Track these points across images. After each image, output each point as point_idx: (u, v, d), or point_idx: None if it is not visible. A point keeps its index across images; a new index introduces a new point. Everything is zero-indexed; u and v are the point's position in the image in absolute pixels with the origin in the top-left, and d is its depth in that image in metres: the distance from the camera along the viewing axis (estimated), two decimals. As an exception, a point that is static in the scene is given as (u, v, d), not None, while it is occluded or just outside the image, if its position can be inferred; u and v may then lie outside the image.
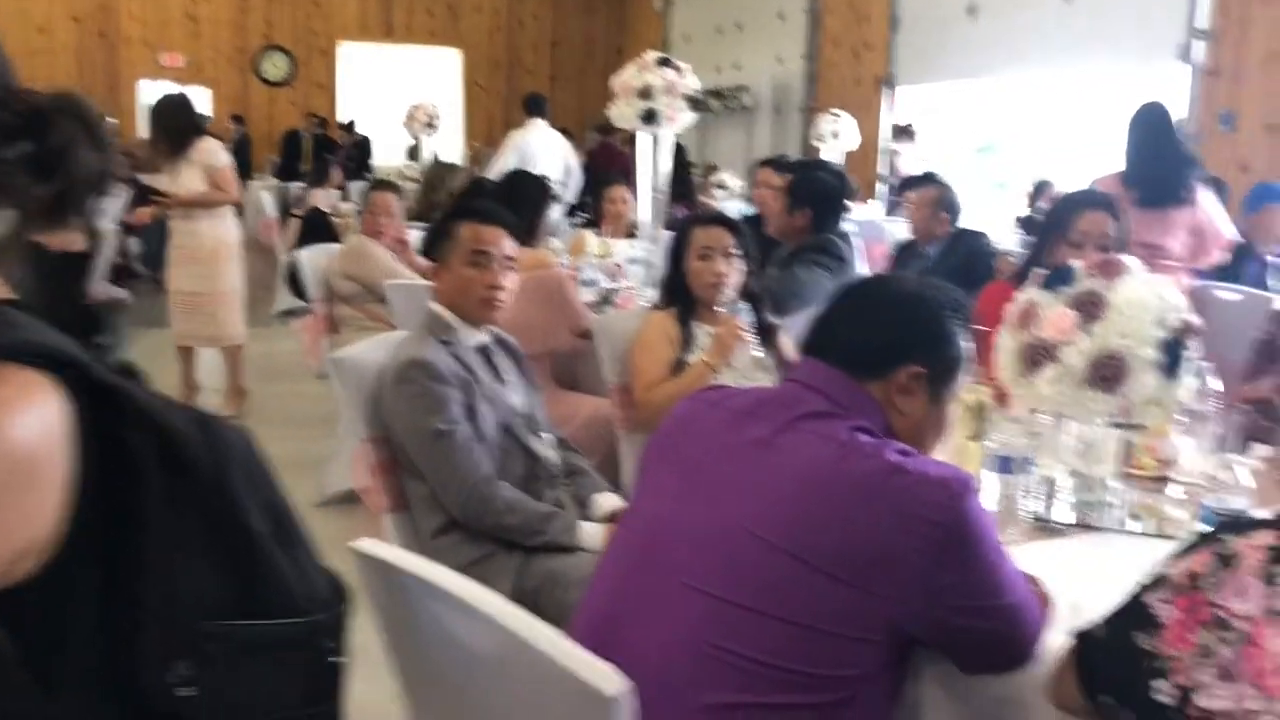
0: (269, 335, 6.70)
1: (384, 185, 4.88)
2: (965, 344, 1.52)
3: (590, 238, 5.15)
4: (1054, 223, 2.84)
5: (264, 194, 8.94)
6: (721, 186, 9.86)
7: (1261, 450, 2.29)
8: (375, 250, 4.35)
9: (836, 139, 8.76)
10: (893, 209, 8.87)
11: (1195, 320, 2.01)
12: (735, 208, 9.09)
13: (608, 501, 2.48)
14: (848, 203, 9.37)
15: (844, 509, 1.31)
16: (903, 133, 9.84)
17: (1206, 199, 4.32)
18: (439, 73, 15.58)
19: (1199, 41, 7.17)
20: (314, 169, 8.76)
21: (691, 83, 4.25)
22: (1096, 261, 2.02)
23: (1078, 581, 1.75)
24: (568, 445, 2.63)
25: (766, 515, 1.35)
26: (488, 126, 14.70)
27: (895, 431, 1.47)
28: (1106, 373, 1.93)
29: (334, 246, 4.65)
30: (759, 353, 2.91)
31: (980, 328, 2.14)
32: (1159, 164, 4.24)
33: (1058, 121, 10.45)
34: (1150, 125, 4.38)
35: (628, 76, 4.24)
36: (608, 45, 15.80)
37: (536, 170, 6.44)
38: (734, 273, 2.97)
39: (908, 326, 1.49)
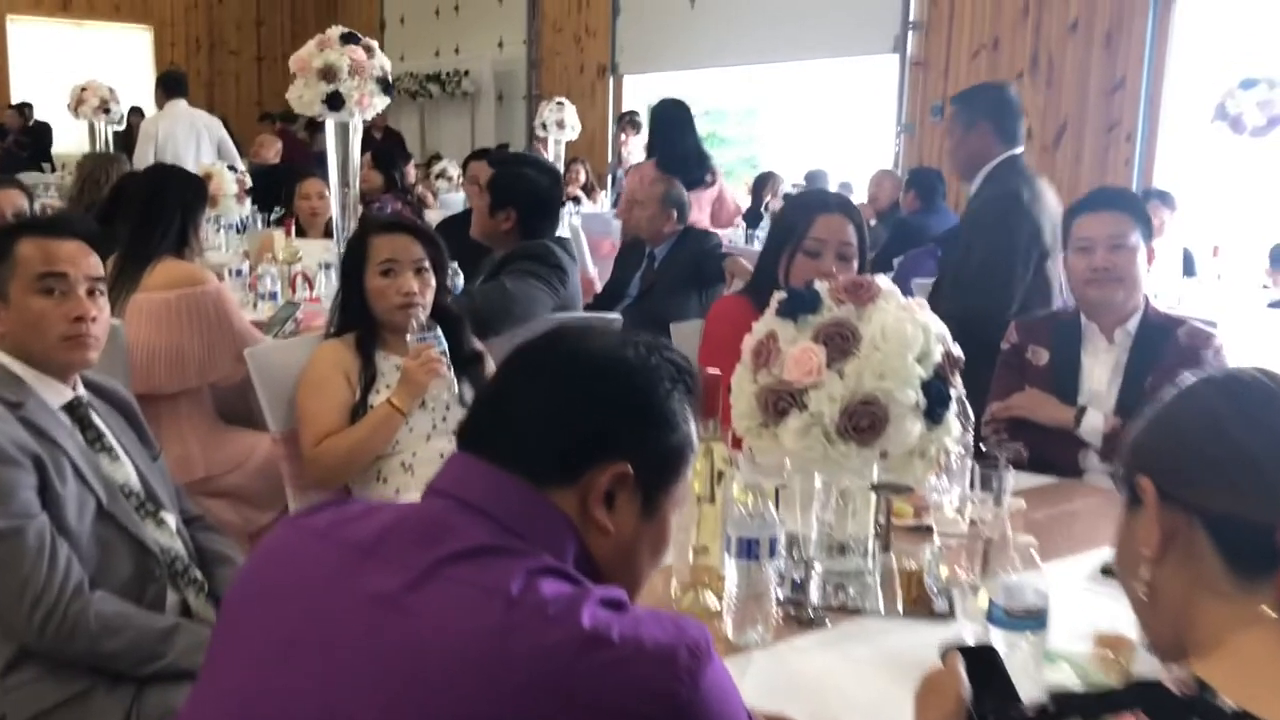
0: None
1: (4, 181, 4.00)
2: (688, 425, 1.08)
3: (278, 239, 4.52)
4: (785, 229, 2.49)
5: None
6: (444, 177, 9.31)
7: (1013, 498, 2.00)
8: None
9: (561, 128, 8.36)
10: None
11: (958, 352, 1.69)
12: (460, 199, 8.60)
13: (258, 596, 1.92)
14: (584, 197, 9.08)
15: (514, 710, 0.85)
16: (627, 122, 9.56)
17: (719, 179, 5.70)
18: (130, 53, 14.11)
19: (912, 33, 7.24)
20: (-43, 158, 7.52)
21: (382, 63, 3.69)
22: (845, 284, 1.66)
23: (832, 701, 1.38)
24: (204, 524, 2.06)
25: None
26: (188, 111, 13.46)
27: (596, 559, 1.01)
28: (862, 422, 1.57)
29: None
30: (458, 389, 2.41)
31: (711, 369, 1.75)
32: (688, 154, 5.26)
33: (780, 113, 10.52)
34: (675, 119, 5.40)
35: (306, 54, 3.63)
36: (320, 25, 14.72)
37: (186, 162, 5.68)
38: (426, 290, 2.46)
39: (605, 406, 1.03)
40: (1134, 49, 6.10)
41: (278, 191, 6.16)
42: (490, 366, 2.58)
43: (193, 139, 6.55)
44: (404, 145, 9.86)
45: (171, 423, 2.92)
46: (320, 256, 4.31)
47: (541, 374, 1.05)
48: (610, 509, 1.02)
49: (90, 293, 1.83)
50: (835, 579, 1.70)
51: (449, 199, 8.68)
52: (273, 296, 3.83)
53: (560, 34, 10.88)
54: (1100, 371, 2.57)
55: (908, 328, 1.60)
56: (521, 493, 0.99)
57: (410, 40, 12.74)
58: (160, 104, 7.23)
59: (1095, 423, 2.46)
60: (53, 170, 10.62)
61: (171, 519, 1.92)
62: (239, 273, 4.10)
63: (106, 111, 8.30)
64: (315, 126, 10.14)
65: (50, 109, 12.25)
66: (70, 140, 11.53)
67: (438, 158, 9.98)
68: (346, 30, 3.68)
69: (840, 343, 1.60)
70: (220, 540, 2.03)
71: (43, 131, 12.44)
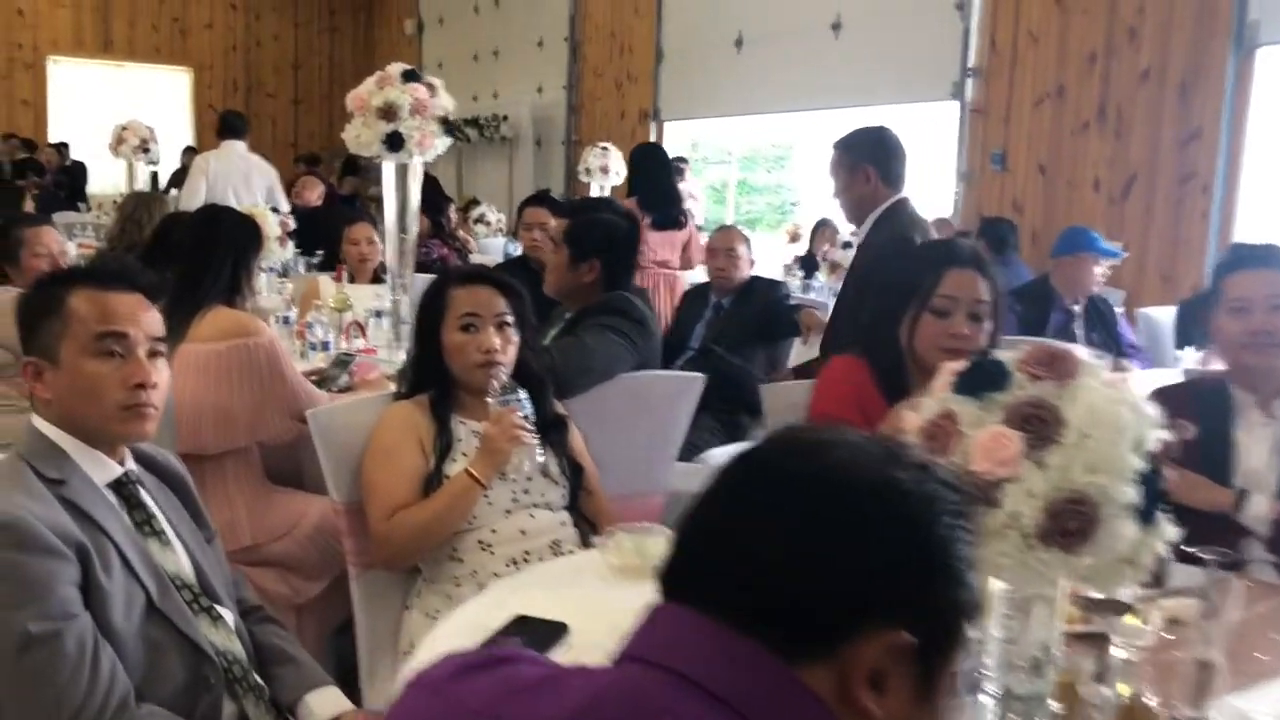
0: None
1: (37, 219, 3.77)
2: (975, 575, 0.81)
3: (326, 284, 4.30)
4: (908, 285, 2.22)
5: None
6: (483, 221, 9.13)
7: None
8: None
9: (605, 174, 8.16)
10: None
11: (1170, 436, 1.43)
12: (499, 245, 8.42)
13: (326, 704, 1.66)
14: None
15: None
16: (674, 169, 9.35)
17: (690, 224, 5.96)
18: (168, 95, 14.13)
19: (971, 80, 7.01)
20: (-2, 198, 7.39)
21: (445, 102, 3.48)
22: (1041, 355, 1.40)
23: None
24: (263, 614, 1.80)
25: None
26: (227, 154, 13.42)
27: None
28: (1070, 524, 1.30)
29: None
30: (543, 457, 2.16)
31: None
32: (666, 195, 5.66)
33: (818, 160, 10.32)
34: (654, 159, 5.88)
35: (365, 92, 3.42)
36: (357, 69, 14.74)
37: (232, 202, 5.53)
38: (509, 347, 2.22)
39: (877, 552, 0.76)
40: (1211, 97, 5.83)
41: (320, 235, 5.98)
42: (574, 431, 2.33)
43: (243, 182, 6.39)
44: (442, 190, 9.71)
45: (217, 486, 2.68)
46: (370, 303, 4.09)
47: (786, 502, 0.77)
48: (879, 691, 0.75)
49: (151, 355, 1.59)
50: (1019, 708, 1.43)
51: (487, 244, 8.53)
52: (325, 346, 3.60)
53: (601, 79, 10.73)
54: (1258, 449, 2.29)
55: (1121, 410, 1.34)
56: (767, 670, 0.73)
57: (448, 84, 12.48)
58: (215, 143, 7.08)
59: (1260, 508, 2.18)
60: (88, 210, 10.54)
61: (229, 615, 1.66)
62: (286, 320, 3.88)
63: (146, 151, 8.20)
64: (349, 170, 10.00)
65: (86, 149, 12.22)
66: (105, 180, 11.48)
67: (475, 202, 9.82)
68: (408, 68, 3.48)
69: (1040, 427, 1.33)
70: (281, 635, 1.77)
71: (78, 171, 12.39)
